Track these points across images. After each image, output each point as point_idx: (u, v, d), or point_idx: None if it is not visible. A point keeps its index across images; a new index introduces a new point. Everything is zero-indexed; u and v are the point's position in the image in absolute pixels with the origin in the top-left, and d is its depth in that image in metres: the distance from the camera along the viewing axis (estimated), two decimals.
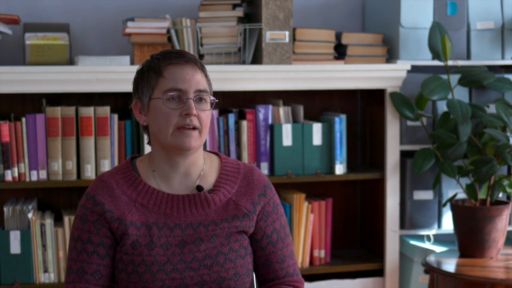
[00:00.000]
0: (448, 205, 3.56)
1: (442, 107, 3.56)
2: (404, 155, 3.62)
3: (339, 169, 3.53)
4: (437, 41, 3.38)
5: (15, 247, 3.23)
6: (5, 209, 3.25)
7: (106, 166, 3.30)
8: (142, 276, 1.96)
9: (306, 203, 3.52)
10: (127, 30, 3.34)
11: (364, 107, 3.82)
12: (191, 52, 3.36)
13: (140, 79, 2.05)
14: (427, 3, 3.56)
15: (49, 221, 3.26)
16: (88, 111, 3.30)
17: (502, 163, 3.35)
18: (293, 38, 3.45)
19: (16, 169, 3.24)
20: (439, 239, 3.74)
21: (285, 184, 3.66)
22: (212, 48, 3.40)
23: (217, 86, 3.06)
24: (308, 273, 3.52)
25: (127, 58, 3.29)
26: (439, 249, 3.55)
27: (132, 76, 2.11)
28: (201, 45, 3.40)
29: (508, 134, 3.42)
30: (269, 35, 3.38)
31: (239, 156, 3.45)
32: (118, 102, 3.55)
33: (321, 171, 3.53)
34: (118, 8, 3.61)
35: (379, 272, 3.65)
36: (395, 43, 3.57)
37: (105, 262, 2.00)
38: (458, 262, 3.33)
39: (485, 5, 3.63)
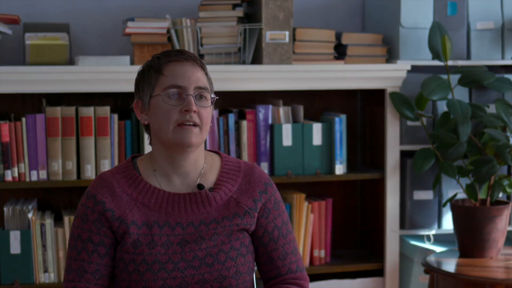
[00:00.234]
0: (448, 205, 3.56)
1: (442, 107, 3.56)
2: (404, 155, 3.62)
3: (339, 169, 3.53)
4: (437, 41, 3.38)
5: (15, 247, 3.23)
6: (5, 209, 3.25)
7: (106, 166, 3.29)
8: (143, 275, 1.96)
9: (306, 203, 3.52)
10: (127, 30, 3.34)
11: (364, 107, 3.82)
12: (191, 52, 3.36)
13: (141, 79, 2.05)
14: (427, 3, 3.56)
15: (49, 221, 3.26)
16: (88, 111, 3.30)
17: (502, 163, 3.35)
18: (293, 38, 3.45)
19: (16, 169, 3.24)
20: (439, 239, 3.73)
21: (285, 184, 3.65)
22: (212, 48, 3.40)
23: (217, 86, 3.04)
24: (308, 273, 3.46)
25: (127, 58, 3.29)
26: (439, 249, 3.54)
27: (132, 76, 2.11)
28: (201, 45, 3.40)
29: (508, 134, 3.42)
30: (269, 35, 3.38)
31: (239, 156, 3.45)
32: (118, 102, 3.55)
33: (321, 171, 3.53)
34: (118, 8, 3.61)
35: (379, 272, 3.64)
36: (395, 43, 3.57)
37: (105, 262, 2.00)
38: (458, 262, 3.33)
39: (485, 5, 3.63)
